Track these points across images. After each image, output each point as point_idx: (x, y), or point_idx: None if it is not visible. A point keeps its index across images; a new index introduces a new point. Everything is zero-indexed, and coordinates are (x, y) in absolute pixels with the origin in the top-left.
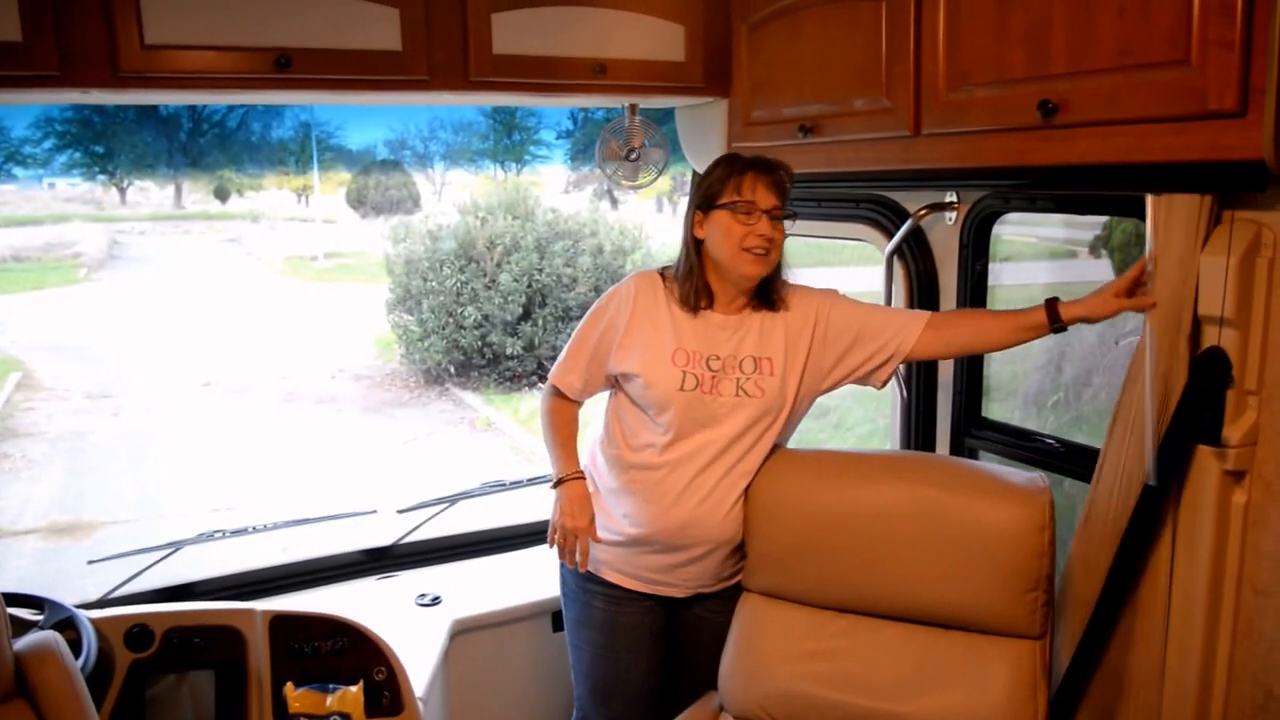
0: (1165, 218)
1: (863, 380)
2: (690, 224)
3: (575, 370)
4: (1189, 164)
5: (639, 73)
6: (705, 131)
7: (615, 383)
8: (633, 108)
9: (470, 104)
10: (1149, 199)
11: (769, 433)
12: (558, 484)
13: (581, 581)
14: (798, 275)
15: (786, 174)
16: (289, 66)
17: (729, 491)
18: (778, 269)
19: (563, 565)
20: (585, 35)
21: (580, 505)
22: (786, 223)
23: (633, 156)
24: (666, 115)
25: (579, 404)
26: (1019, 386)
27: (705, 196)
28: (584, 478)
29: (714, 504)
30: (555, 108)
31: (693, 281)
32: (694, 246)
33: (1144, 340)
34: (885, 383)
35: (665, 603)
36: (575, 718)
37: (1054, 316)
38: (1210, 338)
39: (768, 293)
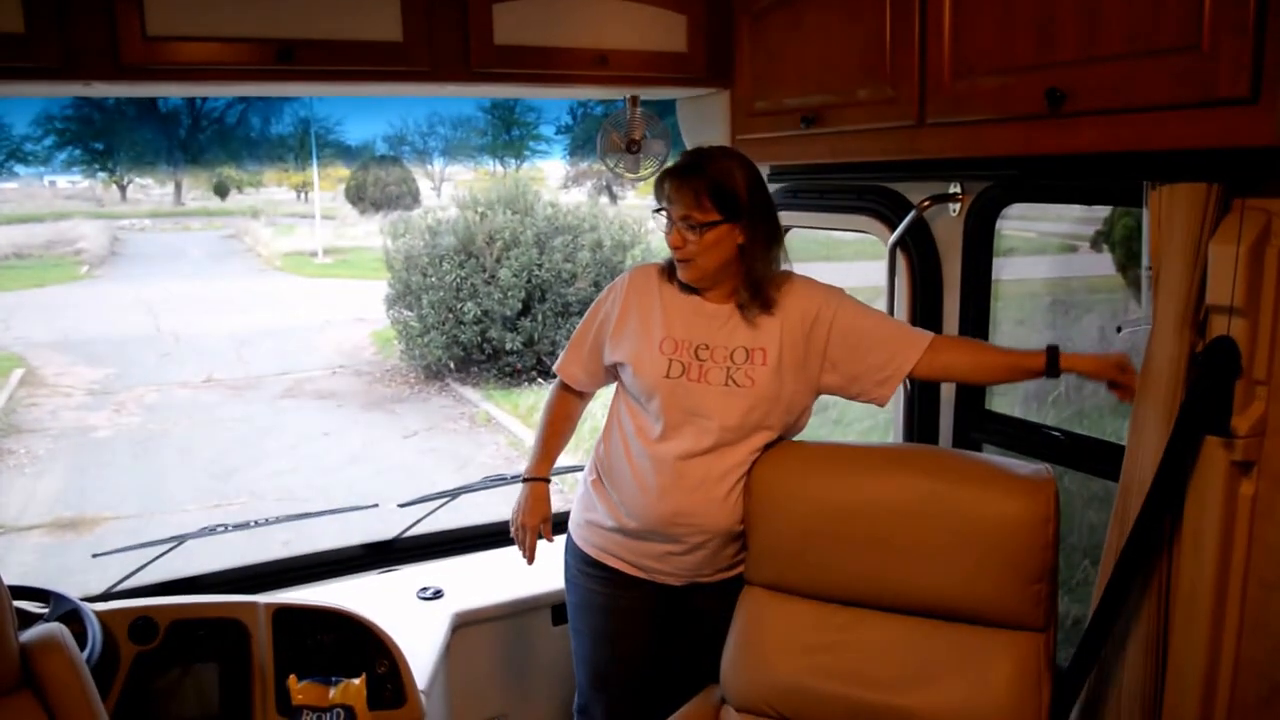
0: (1167, 209)
1: (861, 395)
2: None
3: (577, 361)
4: (1199, 151)
5: (641, 63)
6: (707, 123)
7: (615, 374)
8: (634, 99)
9: (472, 95)
10: (1148, 190)
11: (765, 425)
12: (524, 480)
13: (582, 566)
14: (800, 268)
15: (709, 175)
16: (291, 58)
17: (720, 481)
18: (748, 275)
19: (567, 551)
20: (587, 25)
21: (534, 504)
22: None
23: (634, 149)
24: (668, 107)
25: (584, 397)
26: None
27: None
28: (548, 480)
29: (706, 493)
30: (555, 101)
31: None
32: None
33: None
34: (887, 401)
35: (664, 590)
36: (576, 704)
37: (1053, 363)
38: (1219, 327)
39: (745, 298)
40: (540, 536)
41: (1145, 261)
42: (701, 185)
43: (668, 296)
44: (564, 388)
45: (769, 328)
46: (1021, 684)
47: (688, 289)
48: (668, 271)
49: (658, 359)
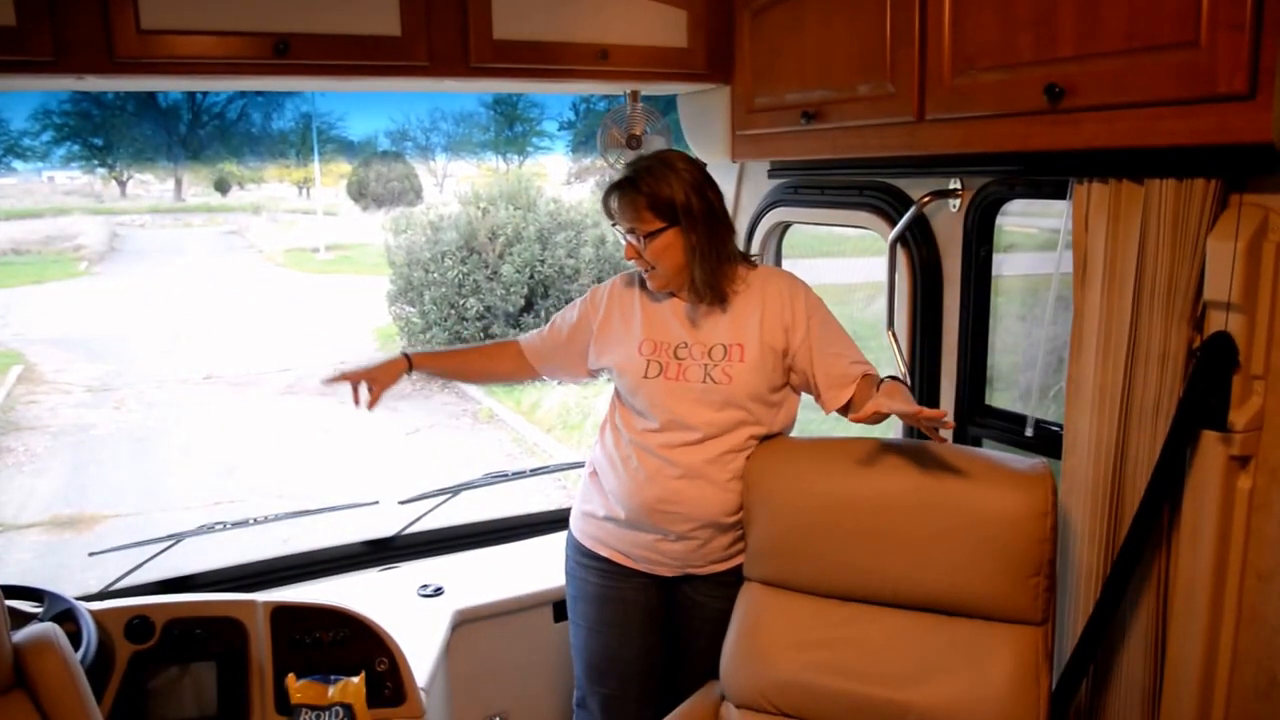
0: (1089, 205)
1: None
2: None
3: (536, 334)
4: (1197, 147)
5: (641, 58)
6: (708, 119)
7: (600, 373)
8: (634, 94)
9: (471, 90)
10: (1072, 186)
11: (748, 420)
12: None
13: (579, 558)
14: (804, 264)
15: (644, 188)
16: (288, 52)
17: (706, 470)
18: (700, 273)
19: (566, 544)
20: (587, 20)
21: (385, 365)
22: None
23: (635, 144)
24: (669, 103)
25: (519, 367)
26: (1017, 377)
27: None
28: (410, 365)
29: (690, 481)
30: (557, 96)
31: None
32: None
33: (1090, 314)
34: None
35: (659, 582)
36: (575, 698)
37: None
38: (1217, 322)
39: (695, 300)
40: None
41: (1064, 260)
42: (639, 198)
43: (645, 302)
44: (510, 345)
45: (748, 323)
46: (1020, 677)
47: (652, 292)
48: (642, 279)
49: (637, 360)
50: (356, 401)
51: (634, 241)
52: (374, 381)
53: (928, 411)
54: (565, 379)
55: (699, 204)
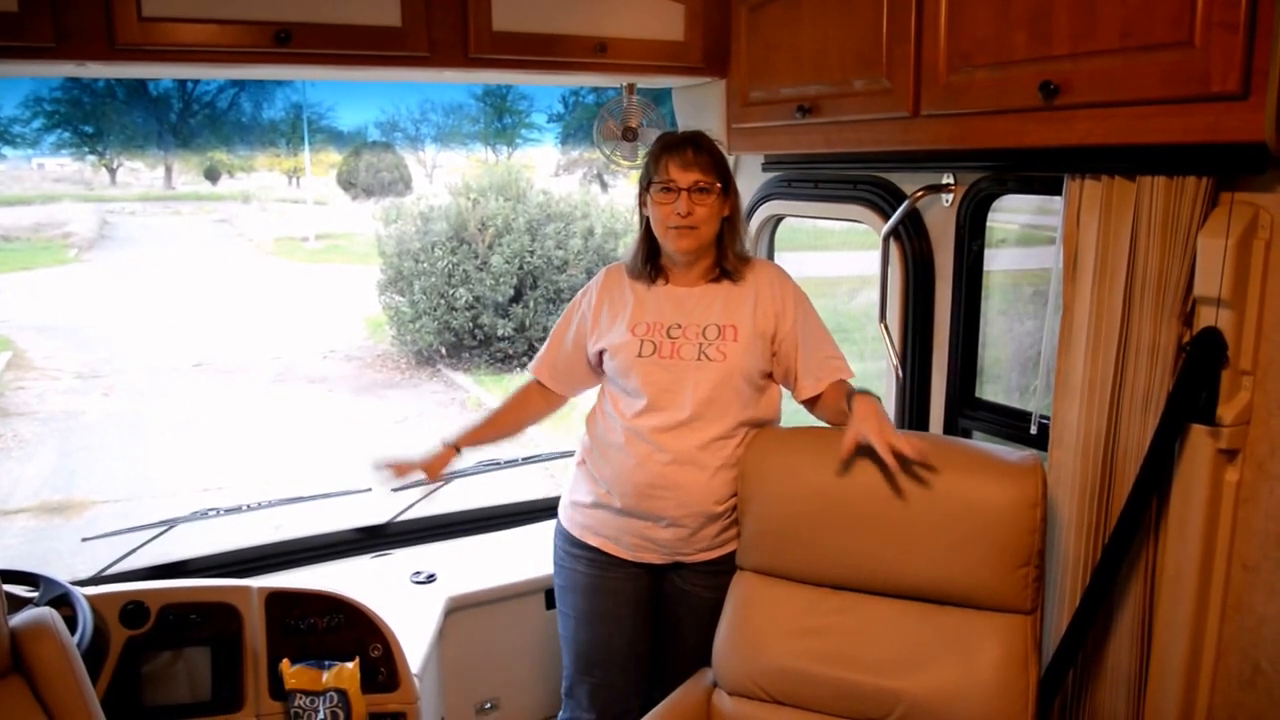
0: (1081, 201)
1: (785, 386)
2: (639, 203)
3: (546, 359)
4: (1190, 145)
5: (638, 52)
6: (703, 112)
7: (590, 378)
8: (630, 87)
9: (470, 81)
10: (1067, 182)
11: (739, 401)
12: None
13: (568, 547)
14: (788, 257)
15: (709, 147)
16: (289, 41)
17: (698, 455)
18: (729, 242)
19: (555, 534)
20: (585, 13)
21: (432, 454)
22: (790, 198)
23: (630, 137)
24: (663, 96)
25: (548, 401)
26: (1002, 371)
27: (643, 177)
28: (455, 451)
29: (681, 465)
30: (547, 89)
31: (641, 255)
32: (645, 223)
33: (1080, 308)
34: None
35: (649, 571)
36: (564, 687)
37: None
38: (1206, 318)
39: (723, 266)
40: (417, 474)
41: (1058, 255)
42: (707, 156)
43: (638, 289)
44: (531, 386)
45: (741, 306)
46: (1009, 665)
47: (654, 282)
48: (633, 270)
49: (630, 341)
50: (398, 476)
51: (694, 195)
52: (427, 471)
53: (900, 445)
54: (588, 388)
55: (733, 181)
